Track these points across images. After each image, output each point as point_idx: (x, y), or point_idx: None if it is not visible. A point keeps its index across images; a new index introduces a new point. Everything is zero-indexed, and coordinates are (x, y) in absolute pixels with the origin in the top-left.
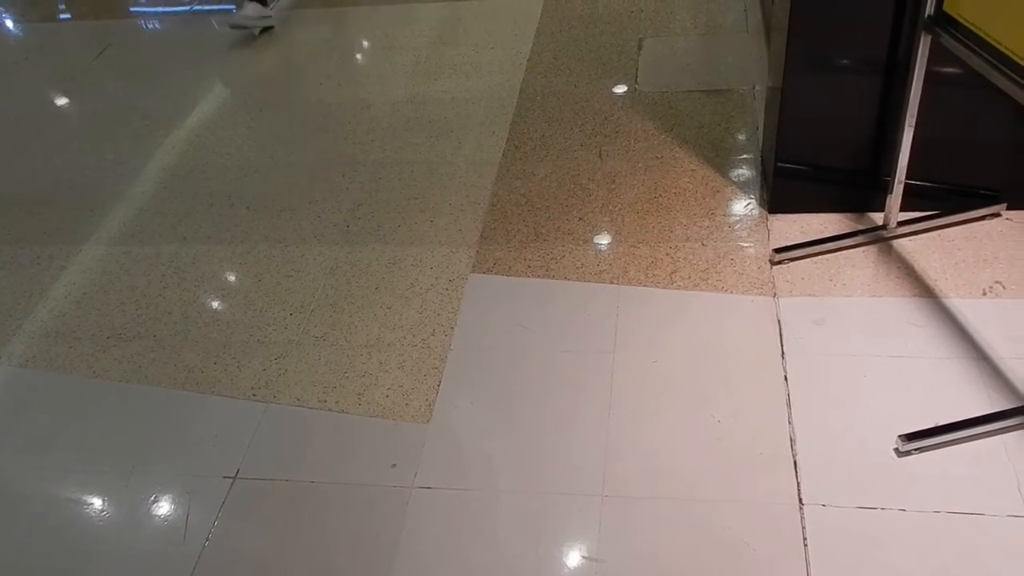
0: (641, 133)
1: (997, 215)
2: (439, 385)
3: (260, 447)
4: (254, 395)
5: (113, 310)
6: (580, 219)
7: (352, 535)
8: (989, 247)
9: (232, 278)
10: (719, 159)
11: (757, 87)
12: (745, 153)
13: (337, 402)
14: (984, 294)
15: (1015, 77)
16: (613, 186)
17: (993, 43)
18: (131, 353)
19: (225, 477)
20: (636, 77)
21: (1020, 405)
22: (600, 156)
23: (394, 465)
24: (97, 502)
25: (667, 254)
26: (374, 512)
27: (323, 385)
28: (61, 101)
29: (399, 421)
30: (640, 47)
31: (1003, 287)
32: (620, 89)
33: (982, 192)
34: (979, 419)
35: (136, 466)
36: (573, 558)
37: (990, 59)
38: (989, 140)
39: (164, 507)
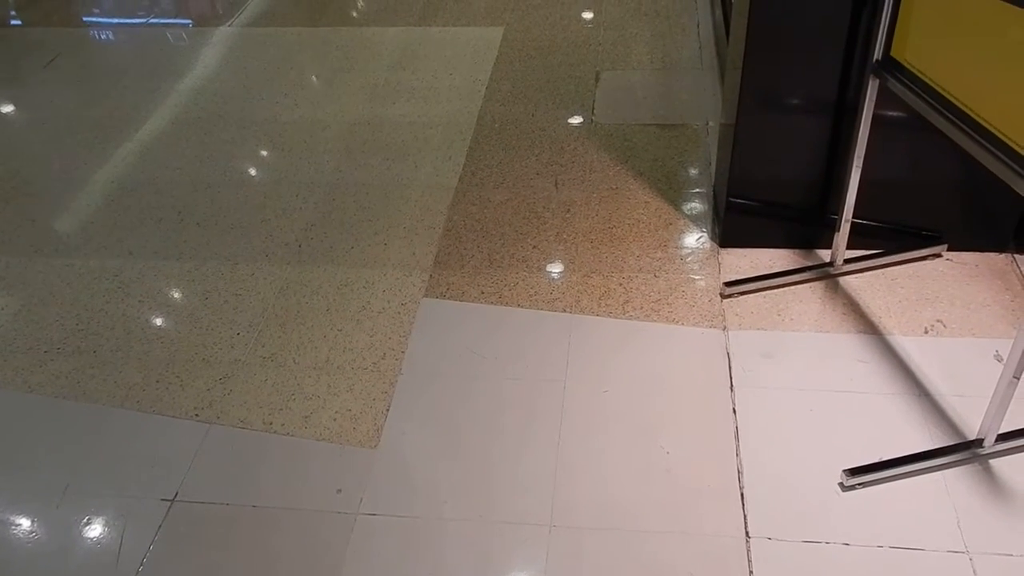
0: (597, 164)
1: (939, 255)
2: (388, 410)
3: (201, 469)
4: (197, 415)
5: (52, 324)
6: (534, 247)
7: (294, 562)
8: (931, 286)
9: (178, 295)
10: (672, 192)
11: (711, 123)
12: (698, 187)
13: (283, 424)
14: (926, 332)
15: (957, 122)
16: (568, 215)
17: (937, 88)
18: (69, 368)
19: (163, 500)
20: (593, 109)
21: (959, 442)
22: (556, 185)
23: (339, 490)
24: (26, 523)
25: (620, 284)
26: (317, 538)
27: (269, 407)
28: (7, 108)
29: (346, 445)
30: (597, 79)
31: (944, 326)
32: (577, 120)
33: (925, 233)
34: (920, 455)
35: (69, 486)
36: None
37: (934, 104)
38: (932, 183)
39: (97, 529)
